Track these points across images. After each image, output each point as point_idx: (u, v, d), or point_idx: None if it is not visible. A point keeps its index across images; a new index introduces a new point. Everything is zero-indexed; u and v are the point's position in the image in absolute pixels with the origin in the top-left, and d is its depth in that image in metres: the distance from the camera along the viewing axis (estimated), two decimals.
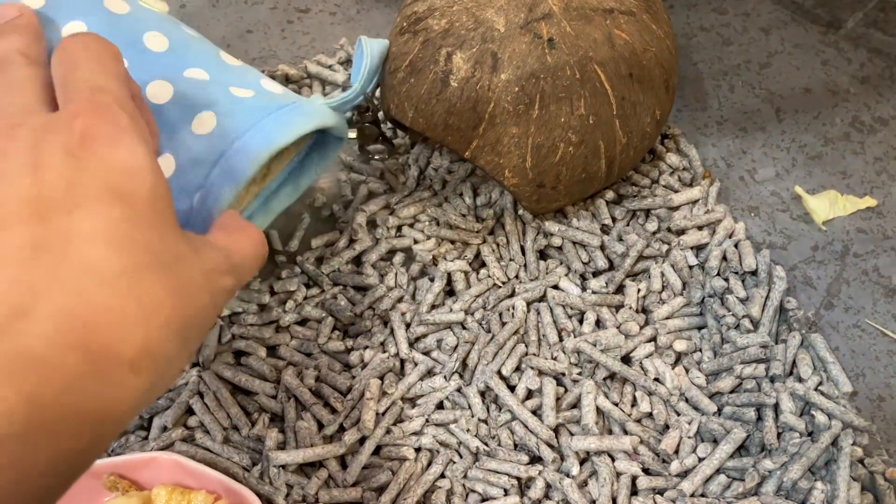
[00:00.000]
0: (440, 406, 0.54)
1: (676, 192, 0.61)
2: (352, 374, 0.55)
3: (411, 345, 0.56)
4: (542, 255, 0.60)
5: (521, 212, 0.60)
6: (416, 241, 0.60)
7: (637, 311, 0.57)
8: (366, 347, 0.56)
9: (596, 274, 0.58)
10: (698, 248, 0.58)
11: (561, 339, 0.55)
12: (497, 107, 0.52)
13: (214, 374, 0.55)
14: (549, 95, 0.52)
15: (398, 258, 0.60)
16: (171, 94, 0.50)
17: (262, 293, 0.58)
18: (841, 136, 0.65)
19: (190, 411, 0.54)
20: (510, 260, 0.59)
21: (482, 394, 0.54)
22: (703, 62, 0.70)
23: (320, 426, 0.53)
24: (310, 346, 0.56)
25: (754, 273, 0.56)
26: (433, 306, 0.57)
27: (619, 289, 0.58)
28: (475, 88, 0.52)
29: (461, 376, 0.55)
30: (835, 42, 0.71)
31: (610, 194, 0.60)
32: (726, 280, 0.56)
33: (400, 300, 0.58)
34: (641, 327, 0.56)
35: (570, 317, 0.56)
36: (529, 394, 0.53)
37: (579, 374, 0.54)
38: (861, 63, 0.69)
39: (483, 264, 0.59)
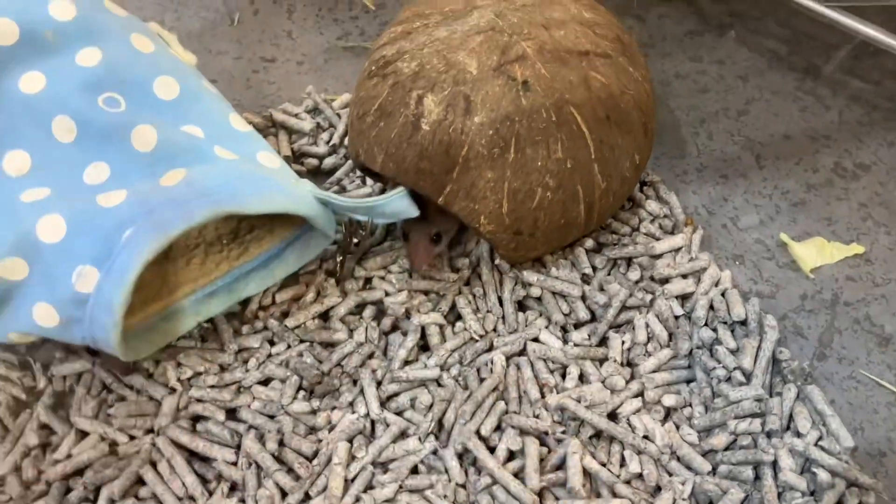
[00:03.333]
0: (415, 471, 0.50)
1: (658, 239, 0.58)
2: (318, 437, 0.51)
3: (383, 404, 0.52)
4: (521, 306, 0.57)
5: (497, 261, 0.58)
6: (387, 294, 0.57)
7: (622, 365, 0.53)
8: (333, 408, 0.52)
9: (578, 326, 0.55)
10: (683, 298, 0.55)
11: (543, 396, 0.52)
12: (471, 150, 0.49)
13: (169, 440, 0.51)
14: (524, 139, 0.49)
15: (368, 311, 0.56)
16: (155, 143, 0.50)
17: (223, 352, 0.55)
18: (824, 182, 0.64)
19: (141, 481, 0.50)
20: (487, 311, 0.56)
21: (460, 456, 0.50)
22: (680, 109, 0.68)
23: (284, 494, 0.49)
24: (273, 407, 0.52)
25: (744, 323, 0.54)
26: (406, 362, 0.54)
27: (602, 341, 0.55)
28: (448, 132, 0.49)
29: (437, 437, 0.51)
30: (812, 89, 0.70)
31: (589, 242, 0.58)
32: (714, 330, 0.53)
33: (370, 356, 0.54)
34: (627, 382, 0.53)
35: (551, 371, 0.53)
36: (511, 455, 0.50)
37: (563, 432, 0.50)
38: (840, 109, 0.68)
39: (459, 317, 0.56)
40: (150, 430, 0.52)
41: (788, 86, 0.70)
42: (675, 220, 0.60)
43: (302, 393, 0.53)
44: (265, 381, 0.54)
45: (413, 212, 0.53)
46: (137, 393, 0.54)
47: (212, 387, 0.53)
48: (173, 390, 0.53)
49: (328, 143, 0.66)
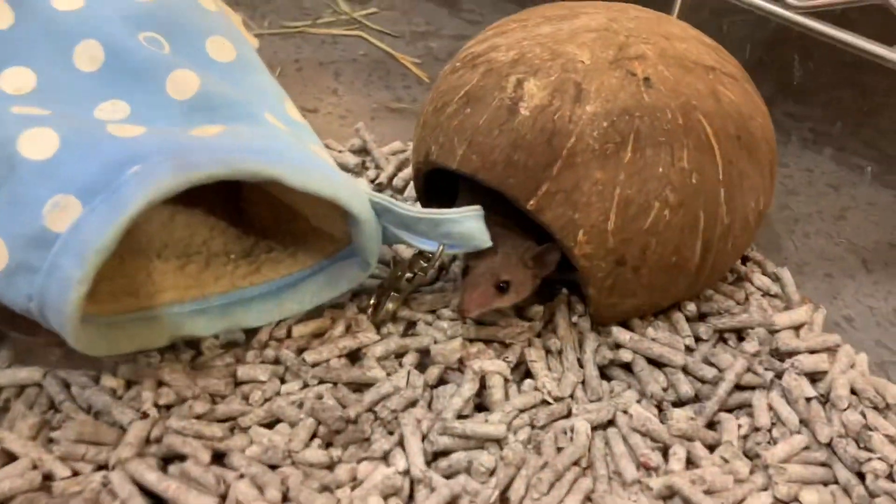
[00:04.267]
0: None
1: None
2: (336, 496, 0.37)
3: (429, 462, 0.38)
4: (603, 374, 0.45)
5: (575, 319, 0.46)
6: (435, 342, 0.45)
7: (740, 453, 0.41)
8: (361, 460, 0.38)
9: (678, 404, 0.43)
10: (814, 379, 0.44)
11: (641, 477, 0.39)
12: (579, 142, 0.40)
13: (128, 477, 0.37)
14: (645, 137, 0.40)
15: (410, 358, 0.44)
16: (195, 92, 0.42)
17: (218, 379, 0.41)
18: None
19: None
20: (565, 371, 0.43)
21: None
22: (769, 208, 0.60)
23: None
24: (276, 455, 0.38)
25: None
26: (460, 415, 0.41)
27: (711, 425, 0.42)
28: (552, 118, 0.40)
29: None
30: None
31: (691, 306, 0.47)
32: (863, 415, 0.41)
33: (413, 404, 0.41)
34: (751, 473, 0.40)
35: (651, 449, 0.40)
36: None
37: None
38: None
39: (527, 374, 0.44)
40: (103, 467, 0.38)
41: (886, 199, 0.63)
42: (788, 299, 0.49)
43: (317, 441, 0.39)
44: (270, 424, 0.40)
45: (486, 241, 0.43)
46: (96, 416, 0.40)
47: (198, 418, 0.40)
48: (145, 415, 0.39)
49: (374, 181, 0.56)
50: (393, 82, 0.70)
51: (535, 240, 0.44)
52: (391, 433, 0.40)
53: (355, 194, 0.40)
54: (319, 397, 0.41)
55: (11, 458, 0.37)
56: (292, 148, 0.41)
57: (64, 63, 0.41)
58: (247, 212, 0.49)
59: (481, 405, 0.42)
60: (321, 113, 0.65)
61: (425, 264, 0.45)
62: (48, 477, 0.37)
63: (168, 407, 0.40)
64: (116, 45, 0.41)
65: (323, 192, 0.39)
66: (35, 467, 0.37)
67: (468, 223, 0.42)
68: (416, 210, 0.42)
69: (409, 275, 0.46)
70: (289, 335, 0.45)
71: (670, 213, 0.41)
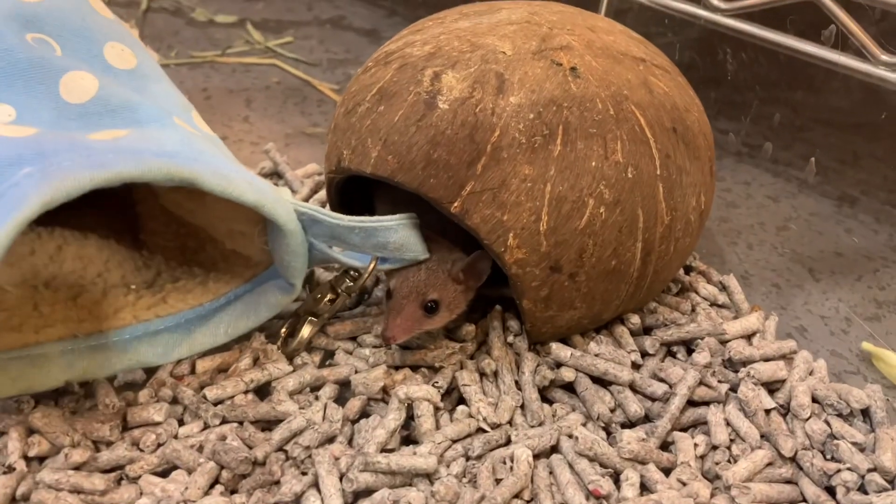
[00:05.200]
0: None
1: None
2: None
3: (353, 502, 0.33)
4: (544, 396, 0.40)
5: (510, 338, 0.42)
6: (356, 371, 0.40)
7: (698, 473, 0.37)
8: None
9: (627, 425, 0.39)
10: (771, 387, 0.40)
11: None
12: (504, 136, 0.36)
13: None
14: (575, 128, 0.37)
15: (328, 390, 0.39)
16: (92, 95, 0.37)
17: (102, 423, 0.36)
18: None
19: None
20: (502, 395, 0.39)
21: None
22: (710, 220, 0.58)
23: None
24: None
25: (865, 412, 0.38)
26: (385, 448, 0.36)
27: (664, 445, 0.38)
28: (474, 111, 0.37)
29: None
30: (853, 214, 0.60)
31: (635, 319, 0.43)
32: (827, 423, 0.38)
33: (331, 440, 0.36)
34: (712, 496, 0.35)
35: (601, 476, 0.36)
36: None
37: None
38: (889, 234, 0.59)
39: (460, 400, 0.39)
40: None
41: (827, 209, 0.61)
42: (736, 308, 0.46)
43: (220, 488, 0.34)
44: (164, 472, 0.35)
45: (422, 251, 0.39)
46: None
47: (76, 469, 0.34)
48: (10, 469, 0.33)
49: None
50: (309, 108, 0.66)
51: (462, 250, 0.40)
52: (304, 473, 0.34)
53: (280, 202, 0.36)
54: (222, 438, 0.36)
55: None
56: (207, 152, 0.36)
57: None
58: (147, 243, 0.44)
59: (409, 437, 0.37)
60: (231, 140, 0.60)
61: (351, 283, 0.40)
62: None
63: (41, 459, 0.34)
64: None
65: (245, 199, 0.34)
66: None
67: (402, 233, 0.38)
68: (347, 219, 0.37)
69: (329, 297, 0.41)
70: (192, 371, 0.39)
71: (606, 211, 0.37)
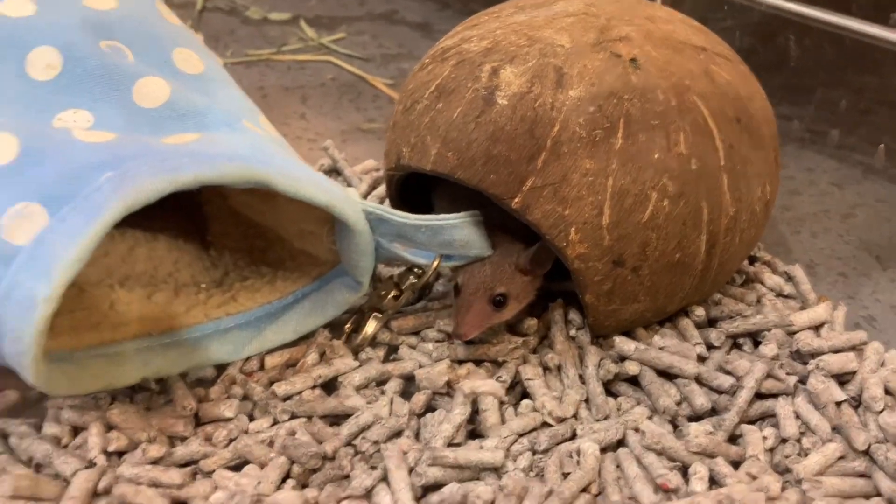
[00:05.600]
0: None
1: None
2: None
3: (419, 498, 0.34)
4: (608, 390, 0.40)
5: (573, 332, 0.42)
6: (420, 366, 0.40)
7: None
8: (341, 500, 0.34)
9: (693, 419, 0.39)
10: (841, 379, 0.39)
11: (660, 501, 0.34)
12: (564, 130, 0.36)
13: None
14: (636, 121, 0.37)
15: (393, 385, 0.39)
16: (165, 100, 0.38)
17: (176, 419, 0.37)
18: None
19: None
20: (566, 389, 0.39)
21: None
22: (773, 209, 0.57)
23: None
24: (244, 500, 0.33)
25: None
26: (451, 443, 0.36)
27: (732, 439, 0.38)
28: (532, 106, 0.37)
29: None
30: None
31: (699, 311, 0.43)
32: None
33: (398, 434, 0.37)
34: (782, 489, 0.35)
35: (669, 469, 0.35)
36: None
37: None
38: None
39: (524, 394, 0.39)
40: None
41: (893, 195, 0.59)
42: (803, 297, 0.45)
43: (291, 482, 0.35)
44: (237, 466, 0.36)
45: (486, 249, 0.39)
46: (37, 468, 0.35)
47: (154, 463, 0.35)
48: (92, 464, 0.34)
49: None
50: (364, 104, 0.66)
51: (523, 242, 0.40)
52: (373, 468, 0.35)
53: (349, 203, 0.36)
54: (292, 433, 0.36)
55: None
56: (277, 154, 0.37)
57: (16, 71, 0.37)
58: (214, 243, 0.45)
59: (474, 432, 0.38)
60: (289, 137, 0.61)
61: (415, 280, 0.41)
62: None
63: (120, 454, 0.36)
64: (75, 52, 0.38)
65: (316, 200, 0.35)
66: None
67: (466, 231, 0.38)
68: (414, 218, 0.38)
69: (393, 293, 0.41)
70: (261, 367, 0.40)
71: (670, 203, 0.37)
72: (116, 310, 0.39)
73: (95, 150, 0.33)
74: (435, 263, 0.39)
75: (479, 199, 0.38)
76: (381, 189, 0.52)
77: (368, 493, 0.34)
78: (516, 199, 0.36)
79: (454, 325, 0.39)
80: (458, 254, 0.39)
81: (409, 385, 0.40)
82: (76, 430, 0.36)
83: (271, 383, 0.39)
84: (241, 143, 0.36)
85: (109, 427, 0.36)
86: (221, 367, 0.40)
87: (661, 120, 0.37)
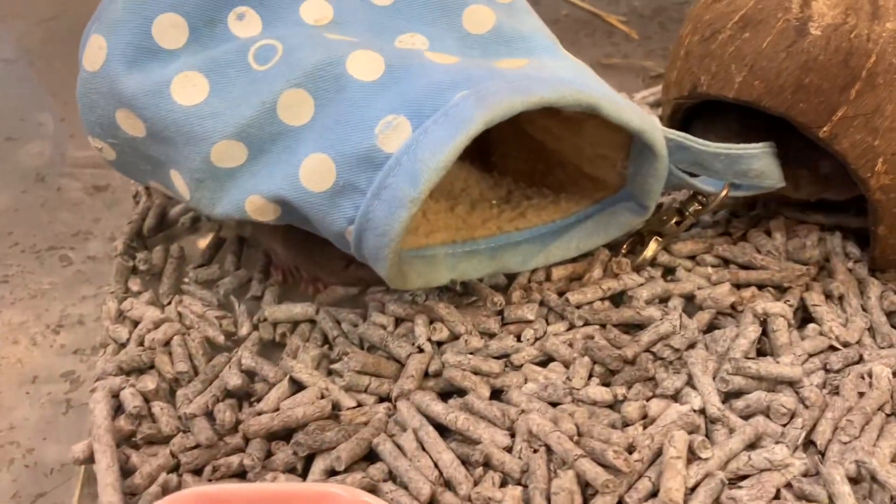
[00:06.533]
0: (776, 496, 0.33)
1: None
2: (626, 432, 0.35)
3: (722, 402, 0.36)
4: (892, 323, 0.41)
5: (850, 265, 0.43)
6: (699, 287, 0.42)
7: None
8: (650, 398, 0.37)
9: None
10: None
11: None
12: (880, 62, 0.37)
13: (415, 408, 0.36)
14: None
15: (675, 302, 0.42)
16: (491, 26, 0.41)
17: (487, 317, 0.41)
18: None
19: (369, 458, 0.35)
20: (850, 317, 0.40)
21: (853, 480, 0.33)
22: None
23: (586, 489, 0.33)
24: (557, 392, 0.37)
25: None
26: (748, 357, 0.38)
27: None
28: (847, 38, 0.37)
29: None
30: None
31: None
32: None
33: (692, 345, 0.39)
34: None
35: None
36: None
37: None
38: None
39: (805, 320, 0.41)
40: (384, 399, 0.38)
41: None
42: None
43: (594, 381, 0.38)
44: (542, 362, 0.39)
45: (780, 179, 0.40)
46: (370, 350, 0.40)
47: (473, 353, 0.39)
48: (420, 350, 0.39)
49: None
50: (600, 40, 0.68)
51: None
52: (677, 372, 0.38)
53: (657, 129, 0.39)
54: (590, 338, 0.40)
55: (299, 387, 0.38)
56: (594, 79, 0.39)
57: None
58: (497, 164, 0.48)
59: (760, 350, 0.40)
60: None
61: (700, 207, 0.43)
62: (335, 406, 0.37)
63: (440, 343, 0.40)
64: None
65: (632, 124, 0.37)
66: (322, 396, 0.37)
67: (766, 159, 0.40)
68: (714, 146, 0.40)
69: (675, 219, 0.44)
70: (548, 278, 0.44)
71: None
72: (427, 218, 0.43)
73: (448, 70, 0.36)
74: (724, 192, 0.41)
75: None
76: None
77: (677, 394, 0.37)
78: (825, 129, 0.38)
79: None
80: (749, 183, 0.41)
81: (687, 305, 0.42)
82: (398, 321, 0.41)
83: (560, 293, 0.42)
84: (564, 67, 0.39)
85: (431, 320, 0.40)
86: (511, 277, 0.44)
87: None
